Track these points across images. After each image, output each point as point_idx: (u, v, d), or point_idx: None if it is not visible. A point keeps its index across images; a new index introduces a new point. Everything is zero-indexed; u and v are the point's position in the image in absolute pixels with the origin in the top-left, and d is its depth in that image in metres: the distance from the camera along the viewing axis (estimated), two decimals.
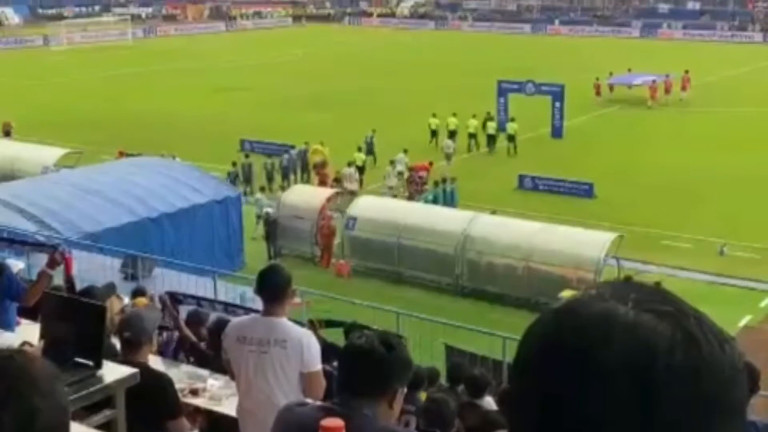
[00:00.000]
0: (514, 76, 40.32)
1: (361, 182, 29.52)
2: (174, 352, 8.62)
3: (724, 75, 54.59)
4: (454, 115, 35.80)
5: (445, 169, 30.93)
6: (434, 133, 35.45)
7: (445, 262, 21.29)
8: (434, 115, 35.95)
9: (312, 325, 10.25)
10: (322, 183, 28.41)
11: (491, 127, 35.46)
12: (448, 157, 32.58)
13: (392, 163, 29.55)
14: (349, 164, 29.26)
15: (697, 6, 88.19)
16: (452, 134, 34.61)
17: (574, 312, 1.09)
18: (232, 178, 28.53)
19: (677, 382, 1.04)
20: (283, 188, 28.24)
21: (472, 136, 35.33)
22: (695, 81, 47.13)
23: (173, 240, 19.96)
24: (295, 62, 62.66)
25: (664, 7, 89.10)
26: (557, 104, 37.24)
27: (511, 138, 34.68)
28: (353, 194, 26.86)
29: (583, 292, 1.13)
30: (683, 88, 45.86)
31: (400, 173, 29.34)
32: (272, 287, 5.37)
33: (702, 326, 1.10)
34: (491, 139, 35.32)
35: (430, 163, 30.03)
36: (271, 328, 5.29)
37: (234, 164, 29.44)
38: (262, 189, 27.40)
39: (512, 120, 35.40)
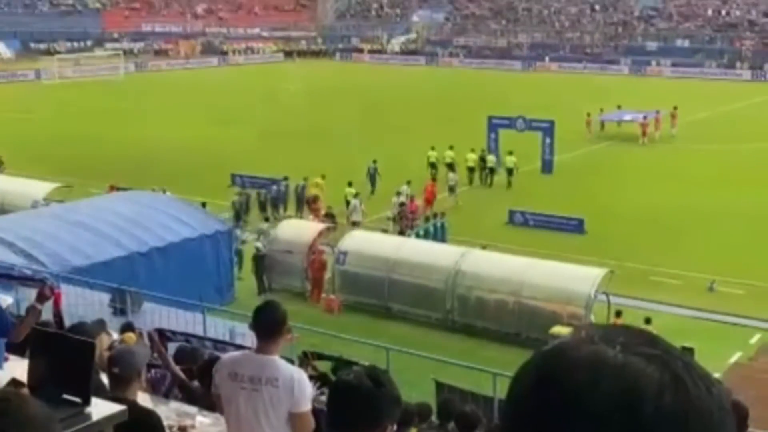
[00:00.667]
0: (504, 112, 40.58)
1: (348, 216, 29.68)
2: (167, 389, 8.56)
3: (713, 112, 55.06)
4: (451, 148, 36.20)
5: (450, 201, 31.47)
6: (433, 166, 35.83)
7: (435, 297, 21.25)
8: (433, 148, 36.42)
9: (306, 357, 10.21)
10: (316, 218, 28.44)
11: (490, 160, 35.93)
12: (451, 189, 32.97)
13: (398, 194, 29.91)
14: (355, 195, 29.65)
15: (686, 44, 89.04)
16: (450, 167, 34.91)
17: (564, 354, 1.10)
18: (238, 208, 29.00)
19: (666, 425, 1.05)
20: (266, 219, 28.65)
21: (470, 169, 35.75)
22: (685, 118, 47.51)
23: (163, 274, 19.86)
24: (287, 97, 62.90)
25: (652, 45, 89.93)
26: (547, 140, 37.45)
27: (510, 171, 35.19)
28: (356, 225, 27.51)
29: (572, 335, 1.14)
30: (672, 125, 46.29)
31: (402, 204, 29.69)
32: (267, 324, 5.35)
33: (689, 370, 1.11)
34: (491, 172, 35.77)
35: (426, 199, 30.25)
36: (263, 365, 5.27)
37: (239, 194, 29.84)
38: (237, 221, 27.99)
39: (510, 153, 35.70)
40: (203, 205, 26.05)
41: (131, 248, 19.79)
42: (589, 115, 45.84)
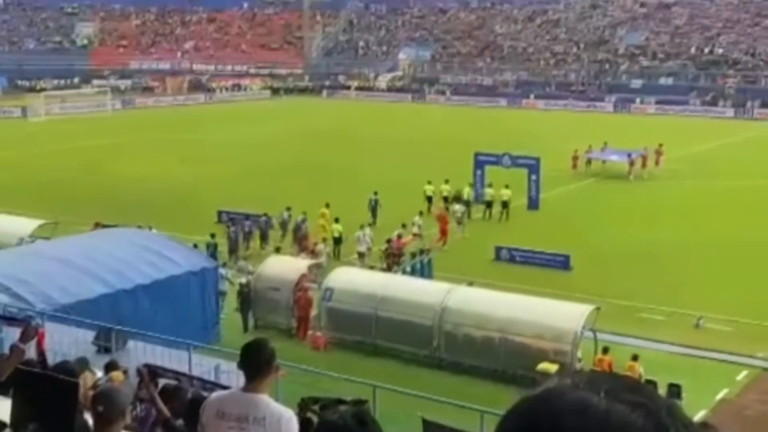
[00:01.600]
0: (491, 149, 40.79)
1: (337, 253, 29.63)
2: (151, 427, 8.48)
3: (697, 149, 55.49)
4: (447, 182, 36.98)
5: (458, 233, 32.06)
6: (429, 200, 36.39)
7: (422, 333, 21.18)
8: (429, 182, 37.00)
9: (305, 405, 10.07)
10: (312, 253, 28.28)
11: (488, 194, 36.47)
12: (458, 221, 33.36)
13: (412, 224, 30.64)
14: (362, 227, 29.81)
15: (670, 81, 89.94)
16: (457, 199, 35.68)
17: (550, 401, 1.11)
18: (212, 251, 28.25)
19: None
20: (245, 256, 28.94)
21: (466, 203, 35.97)
22: (669, 155, 47.85)
23: (148, 312, 19.74)
24: (274, 134, 63.06)
25: (636, 83, 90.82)
26: (533, 177, 37.63)
27: (505, 204, 35.73)
28: (361, 256, 28.16)
29: (558, 381, 1.14)
30: (657, 162, 46.66)
31: (417, 235, 30.23)
32: (255, 363, 5.29)
33: (673, 417, 1.11)
34: (488, 205, 36.36)
35: (442, 230, 31.47)
36: (250, 404, 5.21)
37: (213, 236, 29.35)
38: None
39: (507, 187, 36.24)
40: (195, 246, 25.99)
41: (116, 286, 19.67)
42: (576, 151, 46.11)
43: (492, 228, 34.02)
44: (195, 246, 26.05)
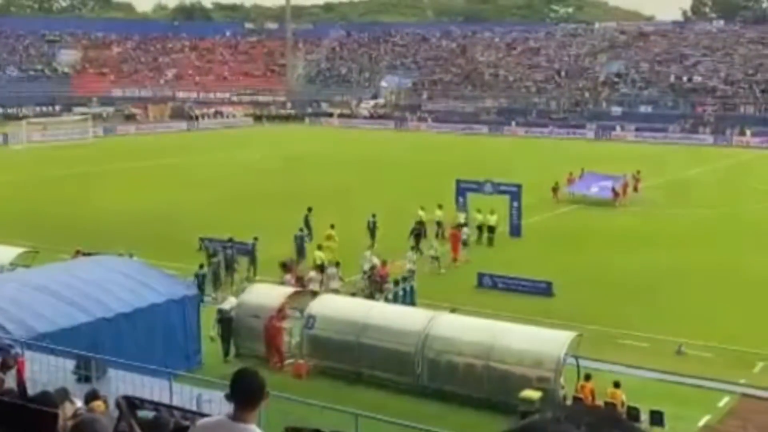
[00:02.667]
0: (472, 175, 40.94)
1: (321, 282, 29.42)
2: None
3: (676, 176, 55.91)
4: (440, 207, 37.12)
5: (463, 256, 32.42)
6: (421, 224, 36.44)
7: (405, 361, 21.10)
8: (422, 208, 36.98)
9: None
10: (299, 279, 28.05)
11: (477, 219, 36.71)
12: (464, 243, 33.76)
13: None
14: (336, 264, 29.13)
15: (649, 109, 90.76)
16: (465, 224, 36.02)
17: None
18: (200, 281, 28.04)
19: None
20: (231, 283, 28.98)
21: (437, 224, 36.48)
22: (649, 182, 48.18)
23: (129, 340, 19.60)
24: (256, 161, 63.08)
25: (617, 110, 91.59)
26: (515, 203, 37.75)
27: (492, 229, 36.01)
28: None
29: (540, 415, 1.15)
30: (635, 188, 46.98)
31: (435, 258, 30.69)
32: (247, 392, 5.23)
33: None
34: (479, 230, 36.75)
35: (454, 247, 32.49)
36: None
37: (201, 266, 29.15)
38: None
39: (492, 212, 36.53)
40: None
41: (97, 314, 19.52)
42: (556, 183, 46.27)
43: (475, 254, 34.01)
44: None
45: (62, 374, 14.31)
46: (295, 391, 16.81)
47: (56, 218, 40.17)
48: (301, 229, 33.82)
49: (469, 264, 32.35)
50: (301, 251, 32.23)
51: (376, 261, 29.17)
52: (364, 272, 28.98)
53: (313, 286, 27.42)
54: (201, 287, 27.37)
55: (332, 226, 33.06)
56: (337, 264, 28.83)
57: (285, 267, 28.52)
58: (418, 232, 34.62)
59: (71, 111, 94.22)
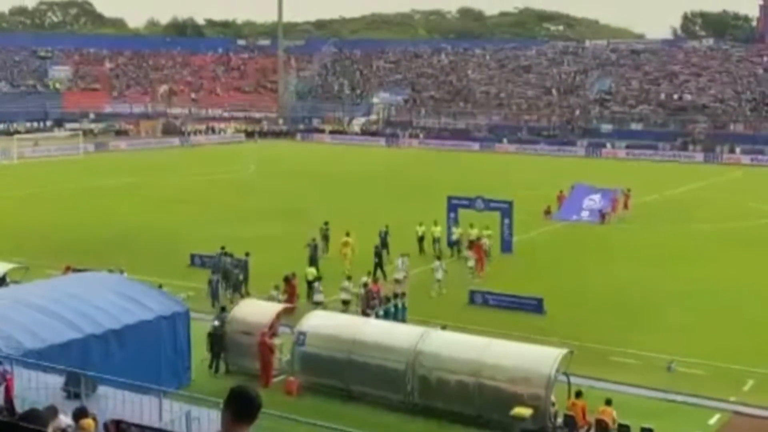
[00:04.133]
0: (464, 191, 41.01)
1: (310, 295, 29.35)
2: None
3: (667, 194, 56.10)
4: (436, 223, 37.43)
5: (470, 279, 32.14)
6: (421, 240, 37.03)
7: (396, 378, 21.05)
8: (421, 224, 37.42)
9: None
10: (291, 295, 28.02)
11: (473, 234, 36.53)
12: (487, 253, 34.15)
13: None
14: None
15: (640, 126, 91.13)
16: (437, 241, 36.82)
17: None
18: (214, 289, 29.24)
19: None
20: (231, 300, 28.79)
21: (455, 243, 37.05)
22: (640, 199, 48.31)
23: (118, 357, 19.52)
24: (247, 177, 63.09)
25: (607, 127, 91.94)
26: (506, 220, 37.81)
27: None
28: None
29: None
30: (625, 206, 47.03)
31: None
32: (245, 410, 5.21)
33: None
34: (470, 246, 36.19)
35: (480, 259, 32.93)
36: None
37: (214, 272, 29.66)
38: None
39: (487, 228, 36.69)
40: (159, 286, 25.71)
41: (87, 330, 19.43)
42: (548, 207, 46.31)
43: (466, 271, 34.02)
44: (160, 286, 25.73)
45: (51, 391, 14.25)
46: (285, 408, 16.75)
47: (47, 234, 40.05)
48: (313, 239, 33.95)
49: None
50: (313, 261, 32.25)
51: (406, 269, 30.49)
52: (396, 279, 29.38)
53: (318, 296, 27.68)
54: (215, 295, 29.10)
55: (348, 234, 34.04)
56: (349, 278, 29.10)
57: (287, 281, 28.49)
58: (379, 253, 33.56)
59: (62, 127, 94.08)
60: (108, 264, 29.24)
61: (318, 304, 27.68)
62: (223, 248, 31.70)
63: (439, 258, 33.54)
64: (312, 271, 30.31)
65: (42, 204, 49.55)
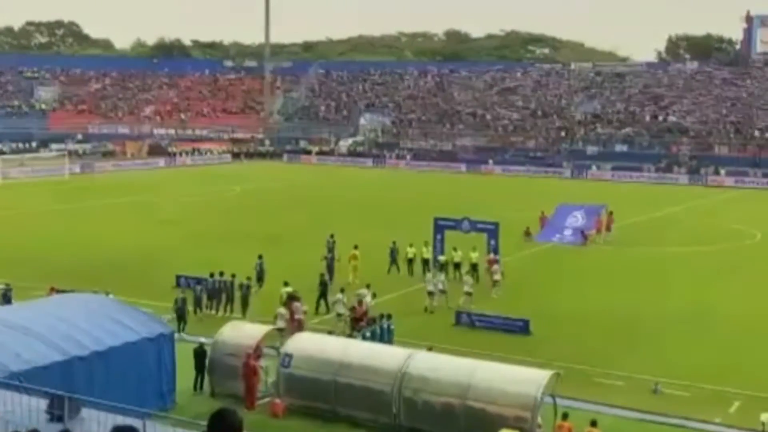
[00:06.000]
0: (450, 213, 41.07)
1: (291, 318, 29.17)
2: None
3: (652, 215, 56.35)
4: (426, 244, 37.51)
5: (467, 302, 31.77)
6: (410, 261, 37.31)
7: (382, 400, 20.99)
8: (411, 245, 37.59)
9: None
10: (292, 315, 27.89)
11: (457, 256, 36.86)
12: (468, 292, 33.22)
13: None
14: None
15: (625, 148, 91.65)
16: (426, 262, 36.81)
17: None
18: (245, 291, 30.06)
19: None
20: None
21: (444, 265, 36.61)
22: (626, 220, 48.43)
23: (103, 379, 19.38)
24: (233, 198, 63.01)
25: (593, 149, 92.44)
26: (492, 241, 37.83)
27: (475, 267, 35.75)
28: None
29: None
30: (608, 228, 47.05)
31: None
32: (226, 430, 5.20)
33: None
34: (456, 267, 36.63)
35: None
36: None
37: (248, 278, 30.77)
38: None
39: (474, 249, 36.65)
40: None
41: (71, 352, 19.30)
42: (528, 228, 46.41)
43: (454, 293, 33.98)
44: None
45: (35, 414, 14.12)
46: (270, 430, 16.70)
47: (31, 255, 39.83)
48: (330, 250, 36.58)
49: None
50: (330, 272, 34.57)
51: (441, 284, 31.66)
52: (350, 309, 28.85)
53: (280, 322, 27.26)
54: (247, 299, 30.01)
55: (356, 247, 35.93)
56: (342, 290, 29.63)
57: (294, 298, 28.41)
58: (324, 282, 32.30)
59: (48, 147, 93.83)
60: (93, 285, 29.09)
61: (340, 316, 28.23)
62: (221, 272, 31.62)
63: (438, 271, 34.20)
64: (287, 290, 29.87)
65: (26, 225, 49.31)
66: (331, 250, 37.16)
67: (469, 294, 32.19)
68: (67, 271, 34.92)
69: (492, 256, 35.99)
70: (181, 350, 22.92)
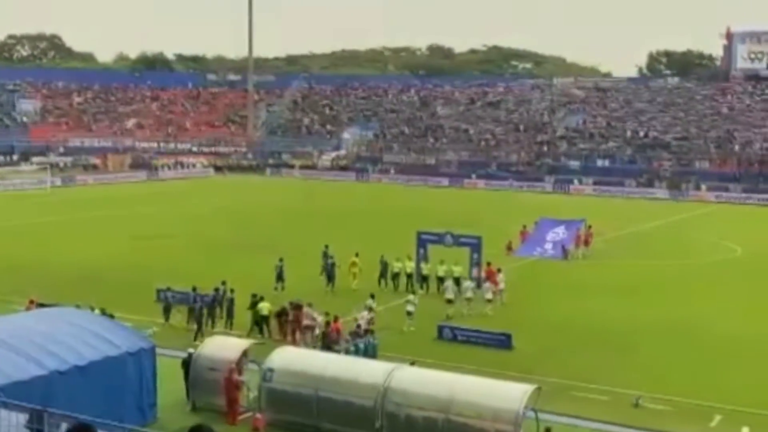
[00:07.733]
0: (433, 227, 41.13)
1: (268, 332, 29.08)
2: None
3: (633, 230, 56.62)
4: (410, 258, 37.69)
5: (465, 308, 32.63)
6: (396, 276, 37.41)
7: (364, 415, 20.92)
8: (398, 259, 37.70)
9: None
10: (298, 322, 27.82)
11: (441, 270, 36.83)
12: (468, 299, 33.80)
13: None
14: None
15: (606, 163, 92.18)
16: (410, 276, 37.21)
17: None
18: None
19: None
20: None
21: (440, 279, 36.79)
22: (606, 234, 48.59)
23: (83, 393, 19.22)
24: (216, 211, 62.83)
25: (574, 164, 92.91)
26: (475, 255, 37.91)
27: (458, 281, 35.57)
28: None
29: None
30: (586, 243, 47.18)
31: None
32: None
33: None
34: (441, 281, 36.38)
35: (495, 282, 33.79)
36: None
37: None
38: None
39: (456, 263, 36.86)
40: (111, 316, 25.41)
41: (51, 366, 19.15)
42: (510, 242, 46.55)
43: (435, 306, 34.00)
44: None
45: (14, 429, 14.00)
46: None
47: (10, 268, 39.56)
48: (331, 256, 37.43)
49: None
50: (330, 278, 36.25)
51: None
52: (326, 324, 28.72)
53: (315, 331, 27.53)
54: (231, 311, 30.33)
55: (357, 254, 37.25)
56: (372, 296, 30.89)
57: (296, 307, 28.29)
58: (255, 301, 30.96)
59: (29, 161, 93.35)
60: (74, 299, 28.88)
61: (359, 327, 27.78)
62: (218, 287, 31.51)
63: (413, 293, 33.83)
64: (267, 306, 29.70)
65: (7, 238, 48.98)
66: (329, 257, 37.63)
67: (490, 300, 33.55)
68: (47, 284, 34.67)
69: (490, 267, 36.43)
70: (164, 365, 22.76)
